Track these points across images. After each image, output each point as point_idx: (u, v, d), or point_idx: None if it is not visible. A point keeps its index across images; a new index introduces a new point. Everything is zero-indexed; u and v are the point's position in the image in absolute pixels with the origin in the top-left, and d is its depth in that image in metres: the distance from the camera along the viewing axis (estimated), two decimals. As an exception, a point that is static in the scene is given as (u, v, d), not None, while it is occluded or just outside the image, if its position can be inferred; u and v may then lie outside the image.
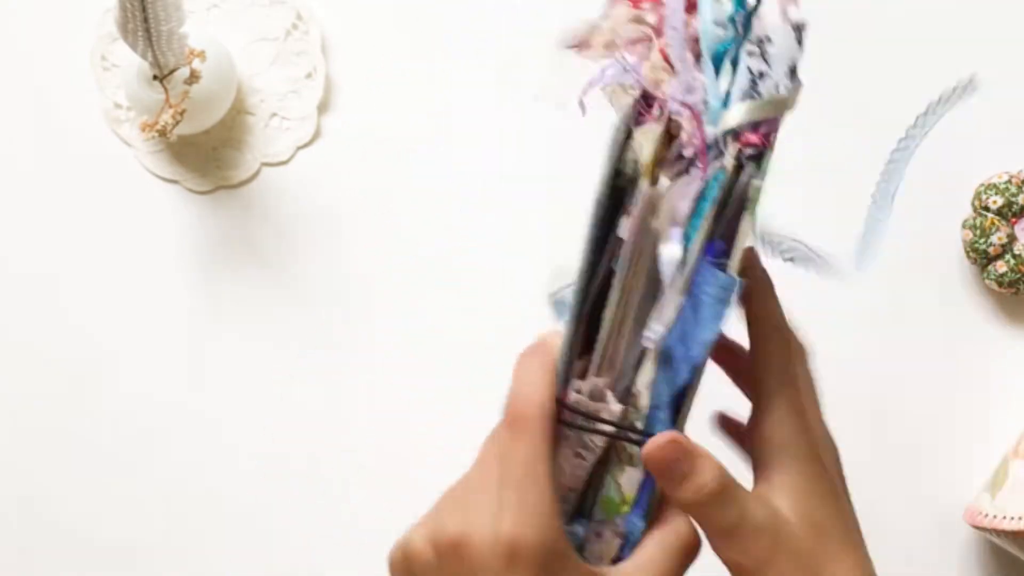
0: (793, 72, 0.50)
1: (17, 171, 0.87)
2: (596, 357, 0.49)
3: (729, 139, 0.47)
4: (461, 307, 0.84)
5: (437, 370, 0.85)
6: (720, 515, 0.48)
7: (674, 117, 0.48)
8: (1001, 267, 0.80)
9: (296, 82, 0.85)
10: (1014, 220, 0.81)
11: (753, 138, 0.48)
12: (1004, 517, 0.76)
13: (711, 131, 0.47)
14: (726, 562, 0.49)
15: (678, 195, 0.46)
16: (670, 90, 0.48)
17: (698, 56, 0.48)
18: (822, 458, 0.51)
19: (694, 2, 0.49)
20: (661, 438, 0.48)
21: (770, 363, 0.51)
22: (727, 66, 0.48)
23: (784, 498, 0.49)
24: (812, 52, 0.84)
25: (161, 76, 0.78)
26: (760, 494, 0.49)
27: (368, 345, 0.85)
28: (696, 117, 0.47)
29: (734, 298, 0.47)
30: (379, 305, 0.85)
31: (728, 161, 0.47)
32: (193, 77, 0.78)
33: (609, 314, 0.49)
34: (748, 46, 0.49)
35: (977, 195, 0.81)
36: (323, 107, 0.85)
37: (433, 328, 0.85)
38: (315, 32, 0.85)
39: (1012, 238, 0.80)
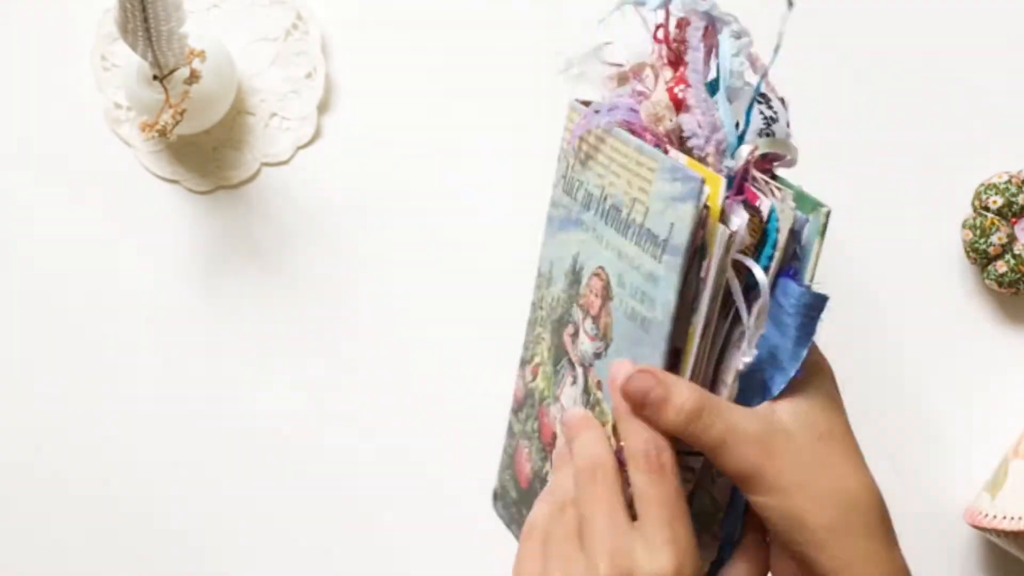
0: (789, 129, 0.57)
1: (17, 171, 0.87)
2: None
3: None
4: (460, 306, 0.84)
5: (436, 369, 0.85)
6: (705, 431, 0.50)
7: (697, 153, 0.53)
8: (1001, 267, 0.80)
9: (296, 82, 0.85)
10: (1014, 220, 0.81)
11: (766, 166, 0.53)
12: (1004, 517, 0.76)
13: (730, 163, 0.52)
14: (727, 474, 0.51)
15: (742, 230, 0.51)
16: (690, 127, 0.53)
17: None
18: (833, 393, 0.54)
19: (710, 49, 0.54)
20: (632, 370, 0.51)
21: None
22: (737, 108, 0.53)
23: (787, 412, 0.52)
24: (826, 51, 0.84)
25: (161, 76, 0.78)
26: (756, 410, 0.52)
27: (368, 344, 0.85)
28: (720, 152, 0.52)
29: (821, 313, 0.52)
30: (379, 305, 0.85)
31: (786, 200, 0.53)
32: (193, 77, 0.78)
33: (695, 346, 0.51)
34: (758, 96, 0.55)
35: (977, 195, 0.81)
36: (323, 107, 0.85)
37: (432, 328, 0.85)
38: (315, 32, 0.85)
39: (1012, 238, 0.81)
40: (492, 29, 0.85)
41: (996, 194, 0.80)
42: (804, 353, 0.52)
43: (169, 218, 0.86)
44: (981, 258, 0.81)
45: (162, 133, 0.77)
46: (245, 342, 0.86)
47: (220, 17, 0.85)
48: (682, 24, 0.55)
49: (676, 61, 0.56)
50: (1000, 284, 0.81)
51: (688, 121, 0.53)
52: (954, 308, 0.83)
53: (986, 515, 0.78)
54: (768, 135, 0.54)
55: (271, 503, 0.86)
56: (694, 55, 0.54)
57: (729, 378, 0.53)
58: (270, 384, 0.86)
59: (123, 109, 0.85)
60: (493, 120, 0.85)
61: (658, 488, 0.49)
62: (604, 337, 0.56)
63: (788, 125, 0.57)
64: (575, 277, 0.58)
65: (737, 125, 0.53)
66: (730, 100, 0.53)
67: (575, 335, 0.59)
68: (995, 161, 0.82)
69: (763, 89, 0.55)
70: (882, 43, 0.84)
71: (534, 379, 0.62)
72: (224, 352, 0.86)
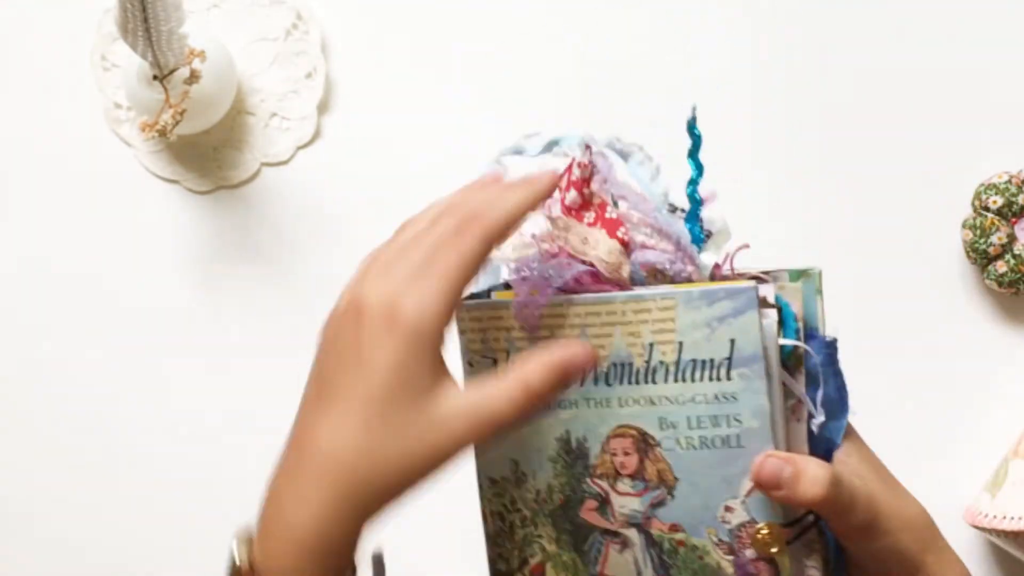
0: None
1: (18, 171, 0.87)
2: None
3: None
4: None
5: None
6: (840, 497, 0.53)
7: (681, 276, 0.55)
8: (1001, 267, 0.80)
9: (296, 82, 0.85)
10: (1014, 220, 0.81)
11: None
12: (1004, 517, 0.76)
13: (704, 265, 0.56)
14: (850, 530, 0.54)
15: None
16: (660, 259, 0.55)
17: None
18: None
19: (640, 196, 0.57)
20: (758, 458, 0.53)
21: None
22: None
23: (854, 461, 0.57)
24: (826, 51, 0.84)
25: (161, 76, 0.78)
26: (846, 464, 0.56)
27: (368, 345, 0.85)
28: (697, 265, 0.56)
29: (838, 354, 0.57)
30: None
31: (780, 279, 0.57)
32: (193, 77, 0.78)
33: (780, 434, 0.55)
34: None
35: (977, 195, 0.81)
36: (323, 107, 0.85)
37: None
38: (315, 32, 0.85)
39: (1012, 238, 0.81)
40: (492, 29, 0.85)
41: (996, 194, 0.80)
42: (848, 397, 0.56)
43: (169, 218, 0.86)
44: (981, 258, 0.81)
45: (162, 133, 0.77)
46: (245, 341, 0.86)
47: (220, 17, 0.85)
48: (578, 167, 0.56)
49: (585, 204, 0.56)
50: (1000, 284, 0.81)
51: (654, 256, 0.55)
52: (954, 308, 0.83)
53: (986, 515, 0.78)
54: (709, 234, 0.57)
55: (271, 503, 0.86)
56: (630, 190, 0.56)
57: (805, 448, 0.55)
58: (270, 383, 0.86)
59: (123, 109, 0.85)
60: (493, 120, 0.84)
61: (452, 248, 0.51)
62: (662, 483, 0.56)
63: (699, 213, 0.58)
64: (578, 453, 0.57)
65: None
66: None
67: (603, 504, 0.57)
68: (995, 161, 0.82)
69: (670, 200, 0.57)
70: (882, 43, 0.84)
71: None
72: (224, 351, 0.86)
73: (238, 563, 0.50)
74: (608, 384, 0.55)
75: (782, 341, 0.54)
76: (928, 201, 0.83)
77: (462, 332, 0.57)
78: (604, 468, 0.56)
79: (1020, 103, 0.83)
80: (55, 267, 0.86)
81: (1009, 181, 0.80)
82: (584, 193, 0.56)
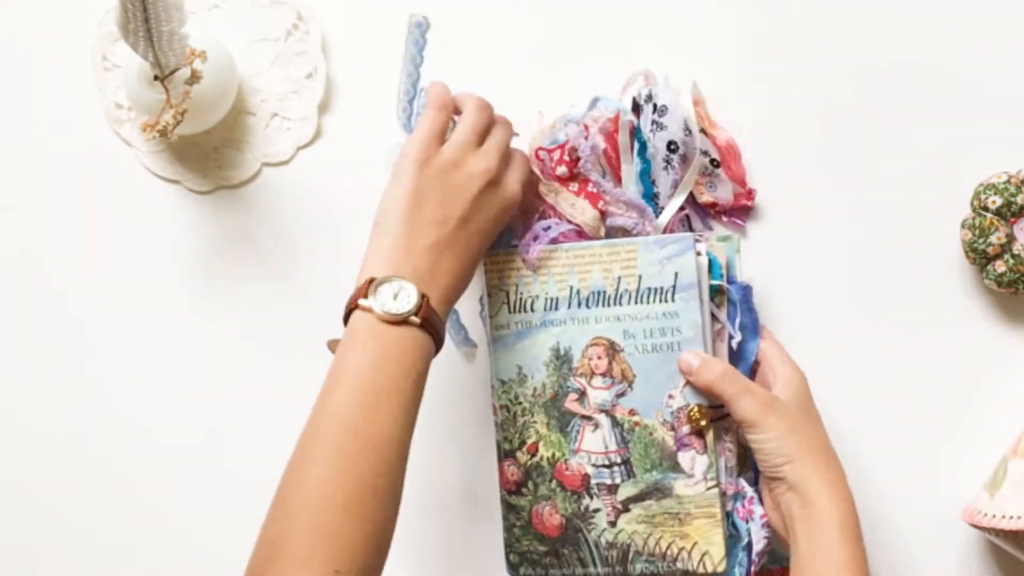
0: (687, 128, 0.80)
1: (18, 171, 0.87)
2: None
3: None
4: (459, 305, 0.85)
5: (435, 368, 0.85)
6: (728, 387, 0.75)
7: (638, 231, 0.80)
8: (1000, 267, 0.81)
9: (296, 82, 0.85)
10: (1013, 220, 0.81)
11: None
12: (1003, 516, 0.76)
13: (660, 224, 0.81)
14: (739, 420, 0.75)
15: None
16: (628, 223, 0.80)
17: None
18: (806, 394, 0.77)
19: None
20: (686, 355, 0.78)
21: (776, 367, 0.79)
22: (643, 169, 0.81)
23: (782, 394, 0.77)
24: (826, 52, 0.84)
25: (162, 76, 0.78)
26: (760, 387, 0.77)
27: (369, 345, 0.85)
28: (652, 224, 0.80)
29: (752, 296, 0.80)
30: (380, 305, 0.85)
31: (711, 240, 0.80)
32: (194, 77, 0.78)
33: (708, 345, 0.79)
34: (652, 125, 0.80)
35: (976, 195, 0.81)
36: (323, 107, 0.86)
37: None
38: (315, 32, 0.85)
39: (1011, 238, 0.81)
40: (492, 29, 0.85)
41: (995, 194, 0.80)
42: (759, 327, 0.80)
43: (169, 218, 0.86)
44: (980, 258, 0.81)
45: (163, 133, 0.77)
46: (245, 341, 0.86)
47: (221, 17, 0.85)
48: (569, 150, 0.81)
49: (572, 177, 0.81)
50: (999, 284, 0.81)
51: (622, 221, 0.80)
52: (954, 308, 0.84)
53: (985, 514, 0.78)
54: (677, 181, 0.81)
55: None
56: (613, 173, 0.82)
57: (725, 358, 0.79)
58: (269, 383, 0.86)
59: (124, 109, 0.85)
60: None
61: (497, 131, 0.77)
62: (624, 379, 0.78)
63: (688, 120, 0.80)
64: (564, 359, 0.79)
65: (654, 184, 0.81)
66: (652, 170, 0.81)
67: (581, 396, 0.79)
68: (994, 161, 0.82)
69: (659, 105, 0.80)
70: (882, 43, 0.84)
71: (534, 455, 0.80)
72: (224, 351, 0.86)
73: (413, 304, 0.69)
74: (588, 307, 0.79)
75: (711, 281, 0.78)
76: (927, 201, 0.83)
77: (485, 272, 0.80)
78: (583, 369, 0.79)
79: (1020, 103, 0.83)
80: (55, 267, 0.86)
81: (1008, 181, 0.81)
82: (573, 170, 0.81)
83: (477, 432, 0.84)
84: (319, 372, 0.85)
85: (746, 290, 0.79)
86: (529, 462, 0.80)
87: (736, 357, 0.79)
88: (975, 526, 0.79)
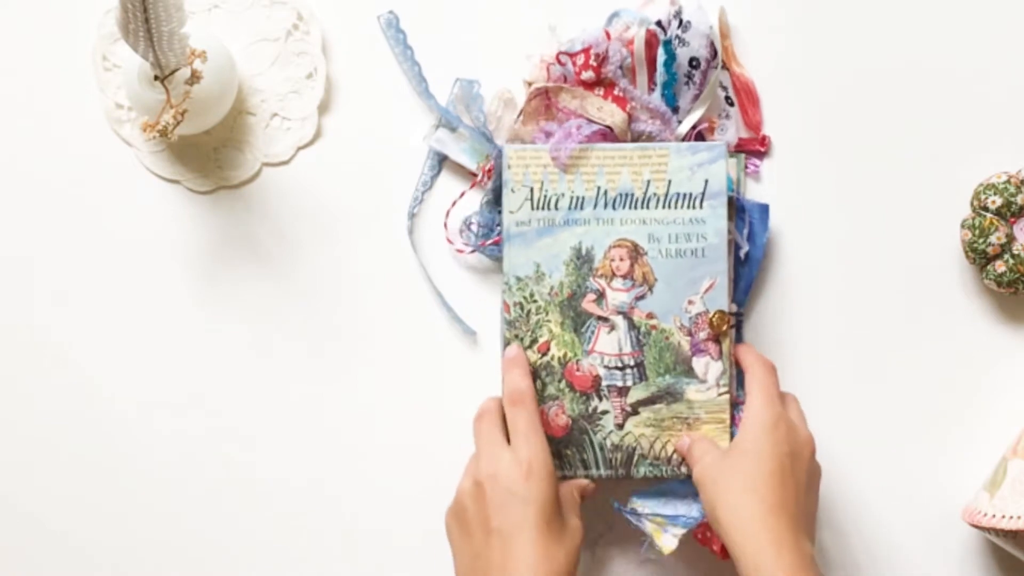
0: (713, 46, 0.81)
1: (18, 171, 0.87)
2: None
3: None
4: (459, 305, 0.85)
5: (435, 368, 0.85)
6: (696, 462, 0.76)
7: (659, 138, 0.81)
8: (1000, 267, 0.81)
9: (297, 82, 0.85)
10: (1013, 220, 0.81)
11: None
12: (1003, 516, 0.76)
13: (680, 134, 0.82)
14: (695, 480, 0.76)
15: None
16: (653, 129, 0.81)
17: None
18: (777, 433, 0.74)
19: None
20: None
21: (753, 375, 0.78)
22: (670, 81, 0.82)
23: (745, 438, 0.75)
24: (826, 51, 0.84)
25: (162, 76, 0.78)
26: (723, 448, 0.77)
27: (368, 344, 0.85)
28: (673, 132, 0.81)
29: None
30: (378, 304, 0.85)
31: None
32: (194, 77, 0.78)
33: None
34: (676, 40, 0.81)
35: (976, 195, 0.81)
36: (323, 107, 0.86)
37: (431, 327, 0.85)
38: (316, 32, 0.85)
39: (1011, 238, 0.81)
40: (492, 29, 0.85)
41: (995, 194, 0.80)
42: (762, 244, 0.82)
43: (169, 218, 0.86)
44: (980, 258, 0.81)
45: (163, 133, 0.77)
46: (245, 341, 0.86)
47: (221, 17, 0.85)
48: (595, 55, 0.81)
49: (598, 82, 0.81)
50: (999, 284, 0.81)
51: (646, 126, 0.81)
52: (953, 308, 0.84)
53: (984, 514, 0.78)
54: (698, 95, 0.82)
55: (271, 501, 0.86)
56: (630, 81, 0.82)
57: (731, 267, 0.80)
58: (269, 383, 0.86)
59: (124, 109, 0.86)
60: (490, 119, 0.85)
61: (517, 415, 0.76)
62: (645, 282, 0.79)
63: (712, 37, 0.81)
64: (586, 259, 0.79)
65: (676, 97, 0.82)
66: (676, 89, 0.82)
67: (600, 297, 0.79)
68: (994, 161, 0.83)
69: (684, 22, 0.81)
70: (882, 43, 0.84)
71: (544, 354, 0.79)
72: (224, 351, 0.86)
73: None
74: (614, 208, 0.79)
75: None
76: (927, 201, 0.84)
77: (509, 167, 0.79)
78: (604, 270, 0.79)
79: (1019, 103, 0.83)
80: (55, 267, 0.86)
81: (1008, 181, 0.81)
82: (599, 73, 0.81)
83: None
84: (319, 372, 0.86)
85: (763, 209, 0.81)
86: (539, 361, 0.80)
87: (742, 266, 0.81)
88: (975, 526, 0.79)
